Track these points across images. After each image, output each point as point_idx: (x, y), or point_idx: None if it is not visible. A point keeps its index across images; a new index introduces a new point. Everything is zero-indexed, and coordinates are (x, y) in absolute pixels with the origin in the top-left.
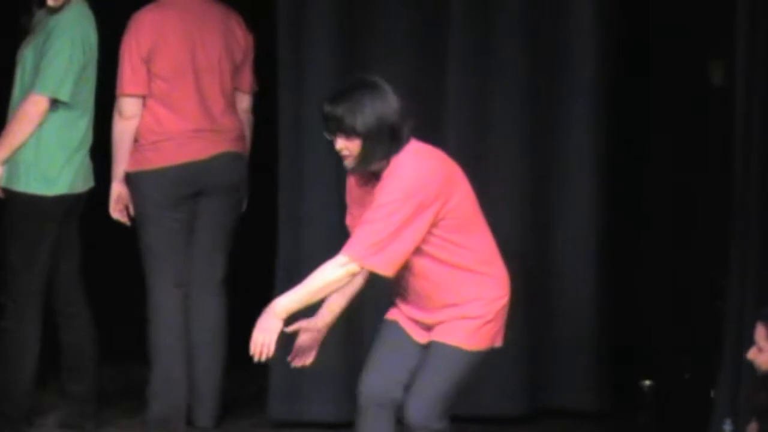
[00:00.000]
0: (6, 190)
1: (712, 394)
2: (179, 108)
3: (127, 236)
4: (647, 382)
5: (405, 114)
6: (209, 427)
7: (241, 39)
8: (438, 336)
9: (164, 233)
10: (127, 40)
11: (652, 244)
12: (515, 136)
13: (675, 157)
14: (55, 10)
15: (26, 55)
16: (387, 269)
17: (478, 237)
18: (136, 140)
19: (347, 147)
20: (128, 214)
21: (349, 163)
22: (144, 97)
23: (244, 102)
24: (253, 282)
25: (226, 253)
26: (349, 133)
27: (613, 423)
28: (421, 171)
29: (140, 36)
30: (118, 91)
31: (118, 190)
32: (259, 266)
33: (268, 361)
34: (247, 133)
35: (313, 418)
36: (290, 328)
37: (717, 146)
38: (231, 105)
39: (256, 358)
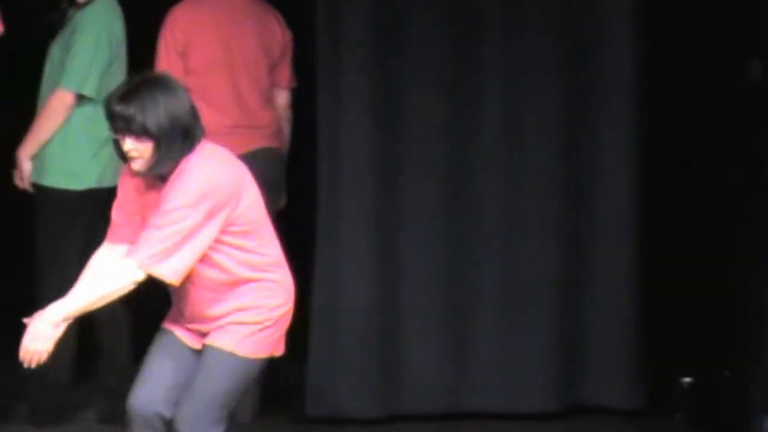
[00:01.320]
0: (34, 185)
1: (751, 391)
2: (216, 103)
3: None
4: (685, 380)
5: (196, 114)
6: (247, 422)
7: (279, 35)
8: (211, 340)
9: None
10: (163, 34)
11: (690, 241)
12: (550, 137)
13: (711, 156)
14: (81, 5)
15: (54, 51)
16: (173, 277)
17: (265, 241)
18: None
19: (137, 148)
20: None
21: (139, 166)
22: None
23: (282, 98)
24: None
25: None
26: (140, 133)
27: (649, 420)
28: (212, 175)
29: (176, 30)
30: None
31: None
32: (297, 262)
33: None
34: (286, 128)
35: (348, 414)
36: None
37: (753, 144)
38: (268, 100)
39: (25, 365)
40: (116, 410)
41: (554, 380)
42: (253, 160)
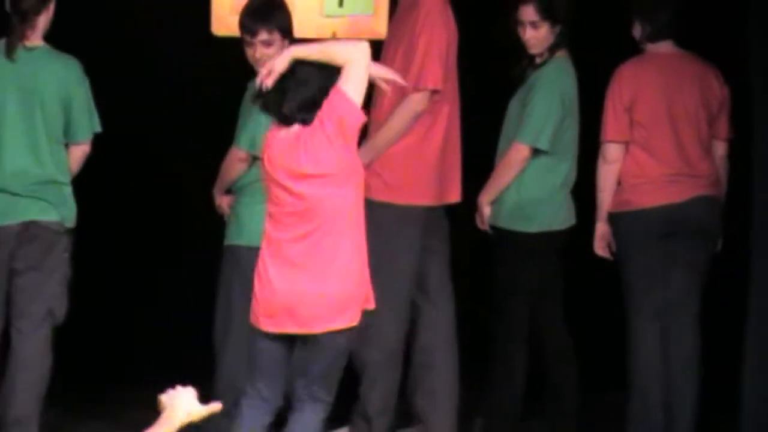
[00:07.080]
0: (492, 227)
1: None
2: (658, 153)
3: (611, 272)
4: None
5: None
6: None
7: (717, 91)
8: None
9: (642, 270)
10: (611, 90)
11: None
12: None
13: None
14: (539, 65)
15: (513, 106)
16: None
17: None
18: (618, 183)
19: None
20: (611, 251)
21: None
22: (626, 143)
23: (721, 149)
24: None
25: (698, 292)
26: None
27: None
28: None
29: (623, 87)
30: (603, 137)
31: (602, 229)
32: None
33: None
34: (723, 178)
35: None
36: None
37: None
38: (707, 151)
39: (264, 85)
40: None
41: None
42: (690, 207)
